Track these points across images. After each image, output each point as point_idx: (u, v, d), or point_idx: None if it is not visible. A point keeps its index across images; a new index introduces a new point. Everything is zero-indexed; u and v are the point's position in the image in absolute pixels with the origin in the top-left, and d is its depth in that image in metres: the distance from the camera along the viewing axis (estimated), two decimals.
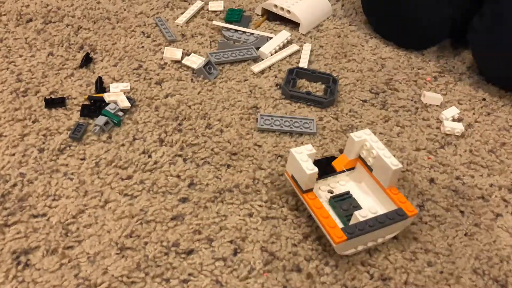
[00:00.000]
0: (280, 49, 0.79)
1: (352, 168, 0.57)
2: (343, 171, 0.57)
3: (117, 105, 0.64)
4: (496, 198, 0.59)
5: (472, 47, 0.76)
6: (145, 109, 0.66)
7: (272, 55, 0.77)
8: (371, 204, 0.54)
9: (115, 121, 0.63)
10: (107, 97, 0.65)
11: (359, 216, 0.50)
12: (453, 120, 0.69)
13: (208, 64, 0.72)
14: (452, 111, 0.69)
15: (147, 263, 0.50)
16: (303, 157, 0.51)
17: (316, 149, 0.62)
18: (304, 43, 0.80)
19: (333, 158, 0.58)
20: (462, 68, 0.78)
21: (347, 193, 0.55)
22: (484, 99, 0.73)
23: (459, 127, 0.66)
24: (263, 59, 0.77)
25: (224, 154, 0.61)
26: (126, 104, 0.65)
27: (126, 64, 0.74)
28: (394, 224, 0.50)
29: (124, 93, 0.67)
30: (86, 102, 0.66)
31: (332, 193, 0.55)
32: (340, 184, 0.56)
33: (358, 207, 0.53)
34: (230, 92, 0.70)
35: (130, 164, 0.59)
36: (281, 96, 0.70)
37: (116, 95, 0.66)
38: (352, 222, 0.51)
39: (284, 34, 0.80)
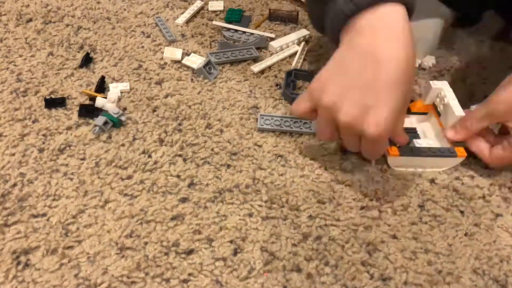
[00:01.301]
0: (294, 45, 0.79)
1: (425, 113, 0.65)
2: (417, 113, 0.65)
3: (120, 109, 0.64)
4: (496, 198, 0.59)
5: None
6: (145, 109, 0.66)
7: (282, 49, 0.78)
8: (431, 141, 0.62)
9: (114, 121, 0.63)
10: (99, 102, 0.64)
11: (416, 143, 0.60)
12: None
13: (208, 64, 0.72)
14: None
15: (147, 263, 0.50)
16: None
17: (316, 148, 0.63)
18: (305, 42, 0.80)
19: (410, 101, 0.63)
20: (462, 68, 0.78)
21: (413, 129, 0.63)
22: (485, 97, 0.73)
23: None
24: (272, 53, 0.78)
25: (224, 154, 0.61)
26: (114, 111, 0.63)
27: (126, 64, 0.74)
28: (443, 158, 0.58)
29: (122, 93, 0.67)
30: (87, 102, 0.66)
31: None
32: (411, 122, 0.65)
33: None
34: (230, 92, 0.70)
35: (130, 164, 0.59)
36: (281, 96, 0.70)
37: (107, 100, 0.65)
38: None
39: (302, 32, 0.80)
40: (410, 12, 0.53)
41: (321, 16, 0.59)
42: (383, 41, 0.50)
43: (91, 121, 0.64)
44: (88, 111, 0.64)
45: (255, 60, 0.76)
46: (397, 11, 0.52)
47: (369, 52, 0.50)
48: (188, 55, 0.75)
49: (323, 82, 0.53)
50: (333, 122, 0.53)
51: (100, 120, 0.62)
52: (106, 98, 0.65)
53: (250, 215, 0.55)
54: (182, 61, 0.74)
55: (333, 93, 0.51)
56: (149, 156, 0.60)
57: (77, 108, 0.65)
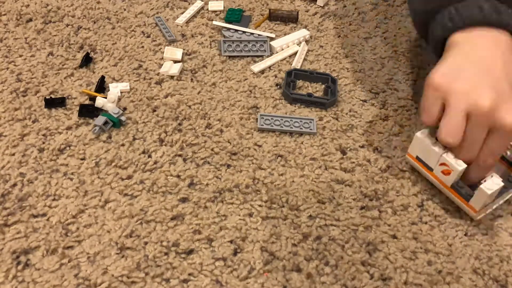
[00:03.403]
0: (294, 45, 0.79)
1: None
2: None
3: (121, 109, 0.64)
4: None
5: None
6: (145, 109, 0.66)
7: (283, 49, 0.78)
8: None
9: (114, 121, 0.63)
10: (99, 102, 0.64)
11: (486, 188, 0.52)
12: None
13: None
14: None
15: (147, 263, 0.50)
16: (430, 138, 0.56)
17: (315, 149, 0.63)
18: (306, 41, 0.80)
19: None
20: None
21: None
22: None
23: None
24: (271, 54, 0.78)
25: (224, 154, 0.61)
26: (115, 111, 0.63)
27: (126, 64, 0.74)
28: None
29: (122, 93, 0.67)
30: (87, 102, 0.66)
31: None
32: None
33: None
34: (230, 92, 0.70)
35: (130, 164, 0.59)
36: (281, 96, 0.70)
37: (107, 100, 0.65)
38: (478, 193, 0.53)
39: (303, 32, 0.80)
40: None
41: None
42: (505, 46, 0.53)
43: (91, 121, 0.64)
44: (88, 111, 0.64)
45: (255, 60, 0.76)
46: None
47: (494, 44, 0.53)
48: (189, 54, 0.75)
49: (450, 74, 0.52)
50: (463, 112, 0.50)
51: (100, 120, 0.62)
52: (106, 98, 0.65)
53: (250, 215, 0.55)
54: (160, 70, 0.72)
55: (468, 78, 0.50)
56: (149, 156, 0.60)
57: (77, 108, 0.65)
